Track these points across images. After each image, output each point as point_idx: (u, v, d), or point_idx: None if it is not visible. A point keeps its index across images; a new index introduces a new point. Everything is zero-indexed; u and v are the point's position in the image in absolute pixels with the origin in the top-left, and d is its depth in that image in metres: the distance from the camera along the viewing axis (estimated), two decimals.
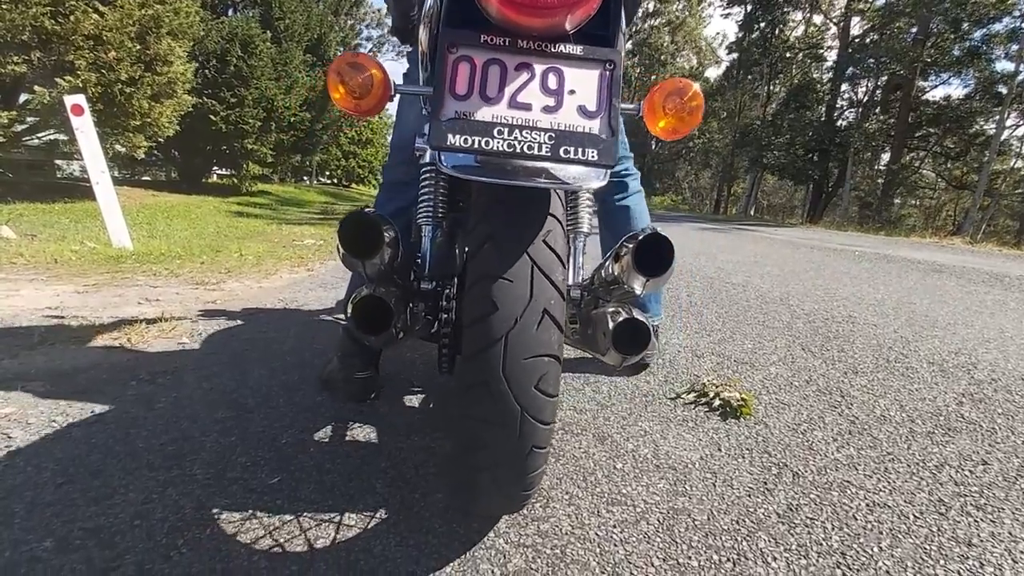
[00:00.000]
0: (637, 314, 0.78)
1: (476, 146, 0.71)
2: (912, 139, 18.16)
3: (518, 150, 0.71)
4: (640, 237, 0.76)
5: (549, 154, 0.72)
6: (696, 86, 0.81)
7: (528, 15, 0.69)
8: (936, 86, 18.13)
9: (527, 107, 0.73)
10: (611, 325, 0.77)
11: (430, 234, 0.94)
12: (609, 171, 0.75)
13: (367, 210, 0.80)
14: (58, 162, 8.79)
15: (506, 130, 0.71)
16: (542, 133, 0.72)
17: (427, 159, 0.82)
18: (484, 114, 0.72)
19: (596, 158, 0.72)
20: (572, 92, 0.74)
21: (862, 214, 16.78)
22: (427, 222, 0.94)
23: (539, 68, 0.73)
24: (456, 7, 0.75)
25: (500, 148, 0.71)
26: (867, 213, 16.62)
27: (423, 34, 0.85)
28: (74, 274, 2.93)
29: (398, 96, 0.82)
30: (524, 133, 0.72)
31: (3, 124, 5.41)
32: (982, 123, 16.41)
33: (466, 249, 0.83)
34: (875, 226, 11.98)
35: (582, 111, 0.74)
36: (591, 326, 0.85)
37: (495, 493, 0.81)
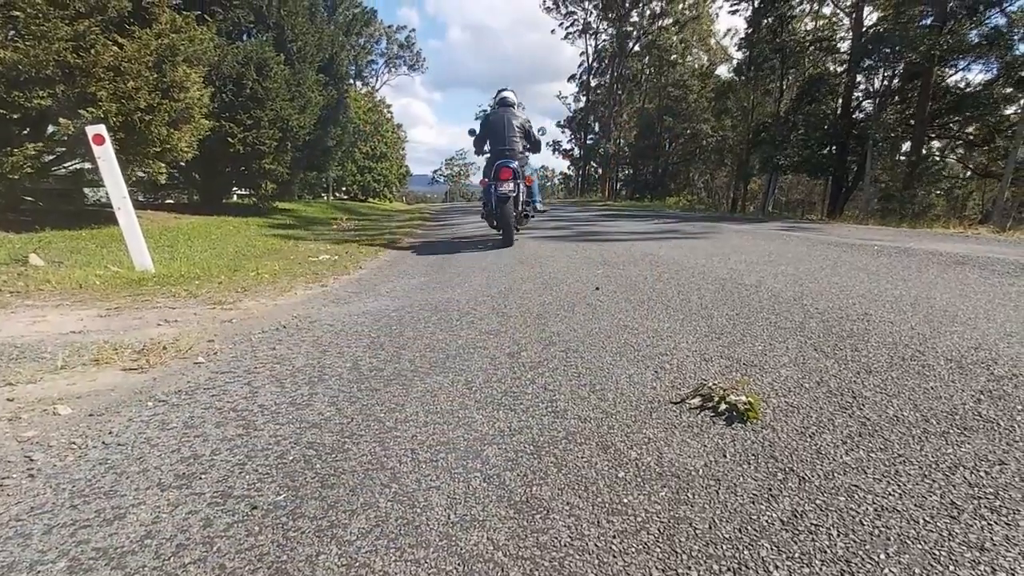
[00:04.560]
0: (529, 211, 6.46)
1: (497, 190, 5.49)
2: (933, 128, 17.68)
3: (504, 192, 5.43)
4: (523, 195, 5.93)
5: (512, 191, 5.47)
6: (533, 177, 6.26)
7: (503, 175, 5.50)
8: (956, 72, 17.64)
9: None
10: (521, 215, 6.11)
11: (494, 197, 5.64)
12: (520, 190, 5.74)
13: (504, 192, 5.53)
14: (86, 190, 9.07)
15: (503, 186, 5.40)
16: (508, 184, 5.47)
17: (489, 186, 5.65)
18: (499, 187, 5.42)
19: (512, 189, 5.46)
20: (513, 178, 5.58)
21: (884, 207, 16.29)
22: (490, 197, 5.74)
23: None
24: (490, 169, 5.71)
25: (503, 192, 5.43)
26: (889, 206, 16.14)
27: (486, 164, 5.99)
28: (98, 298, 3.03)
29: (483, 165, 6.17)
30: (506, 185, 5.42)
31: (31, 155, 5.62)
32: (1007, 110, 15.89)
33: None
34: (898, 219, 11.66)
35: (515, 183, 5.54)
36: (518, 217, 6.03)
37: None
